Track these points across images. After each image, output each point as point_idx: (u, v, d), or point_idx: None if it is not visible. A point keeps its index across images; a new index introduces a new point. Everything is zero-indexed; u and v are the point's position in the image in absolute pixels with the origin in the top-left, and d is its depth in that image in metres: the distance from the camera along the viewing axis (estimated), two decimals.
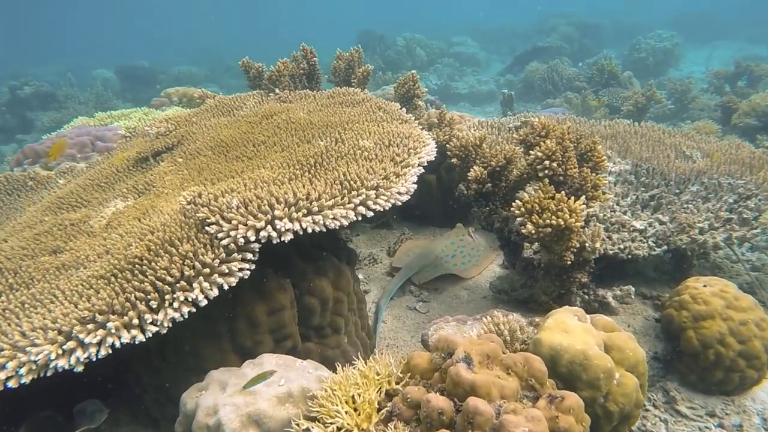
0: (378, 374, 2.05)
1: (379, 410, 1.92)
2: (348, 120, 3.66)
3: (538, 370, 1.95)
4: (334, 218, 2.50)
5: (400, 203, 2.79)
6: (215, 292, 2.25)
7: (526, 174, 3.46)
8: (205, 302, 2.23)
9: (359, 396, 1.93)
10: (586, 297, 3.38)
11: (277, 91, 4.79)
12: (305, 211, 2.46)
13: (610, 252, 3.34)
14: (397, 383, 2.03)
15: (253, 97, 4.77)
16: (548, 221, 2.73)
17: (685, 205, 3.90)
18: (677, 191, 4.07)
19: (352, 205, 2.57)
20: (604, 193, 3.15)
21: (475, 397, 1.75)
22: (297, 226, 2.41)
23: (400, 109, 3.93)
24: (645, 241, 3.59)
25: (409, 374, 2.04)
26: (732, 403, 3.04)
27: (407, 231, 4.90)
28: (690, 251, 3.57)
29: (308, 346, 2.82)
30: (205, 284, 2.24)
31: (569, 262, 3.01)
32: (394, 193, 2.72)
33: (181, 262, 2.29)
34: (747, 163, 4.11)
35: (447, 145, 3.93)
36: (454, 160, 3.75)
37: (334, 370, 2.22)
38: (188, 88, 7.50)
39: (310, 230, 2.44)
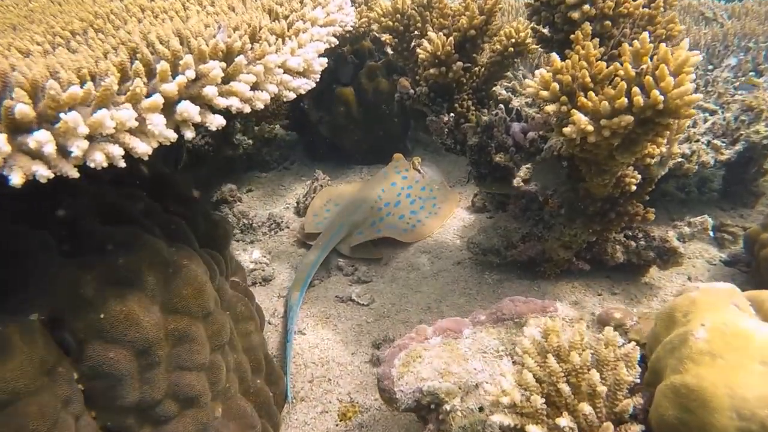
0: None
1: None
2: None
3: None
4: (100, 134, 0.86)
5: (294, 95, 1.20)
6: None
7: (512, 43, 1.96)
8: None
9: None
10: (633, 245, 2.02)
11: None
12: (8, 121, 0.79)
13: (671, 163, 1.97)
14: None
15: None
16: (624, 102, 1.25)
17: (729, 85, 2.62)
18: (710, 66, 2.79)
19: (157, 100, 0.93)
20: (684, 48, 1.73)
21: None
22: None
23: None
24: (699, 140, 2.28)
25: None
26: None
27: (321, 175, 3.28)
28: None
29: None
30: None
31: (634, 187, 1.61)
32: (271, 66, 1.10)
33: None
34: None
35: (369, 15, 2.33)
36: (385, 36, 2.16)
37: None
38: None
39: (15, 181, 0.79)
